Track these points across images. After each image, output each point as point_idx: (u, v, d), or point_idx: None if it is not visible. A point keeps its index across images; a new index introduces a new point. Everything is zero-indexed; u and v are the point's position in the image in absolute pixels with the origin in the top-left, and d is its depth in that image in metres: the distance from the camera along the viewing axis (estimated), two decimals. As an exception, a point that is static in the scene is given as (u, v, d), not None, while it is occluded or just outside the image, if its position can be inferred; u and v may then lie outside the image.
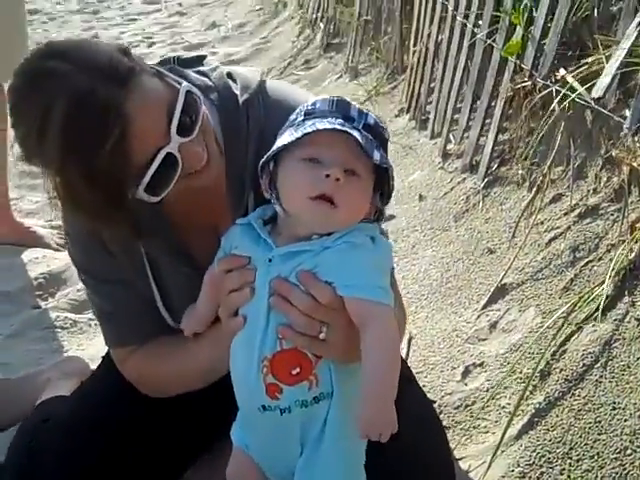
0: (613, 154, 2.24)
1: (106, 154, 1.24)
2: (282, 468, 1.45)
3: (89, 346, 2.65)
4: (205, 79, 1.57)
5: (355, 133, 1.29)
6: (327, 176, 1.28)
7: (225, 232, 1.49)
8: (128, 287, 1.64)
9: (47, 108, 1.24)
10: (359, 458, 1.44)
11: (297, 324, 1.35)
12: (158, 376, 1.70)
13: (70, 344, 2.67)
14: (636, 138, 2.16)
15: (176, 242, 1.60)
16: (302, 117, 1.36)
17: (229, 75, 1.60)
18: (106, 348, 1.96)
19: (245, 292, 1.39)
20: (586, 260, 2.23)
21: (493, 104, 3.06)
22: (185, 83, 1.41)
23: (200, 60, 1.64)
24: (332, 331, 1.35)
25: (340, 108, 1.35)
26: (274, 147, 1.36)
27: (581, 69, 2.48)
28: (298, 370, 1.35)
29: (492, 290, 2.41)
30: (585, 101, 2.38)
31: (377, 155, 1.30)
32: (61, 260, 3.26)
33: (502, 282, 2.41)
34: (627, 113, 2.24)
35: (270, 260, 1.36)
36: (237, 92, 1.56)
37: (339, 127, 1.29)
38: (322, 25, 5.95)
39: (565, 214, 2.45)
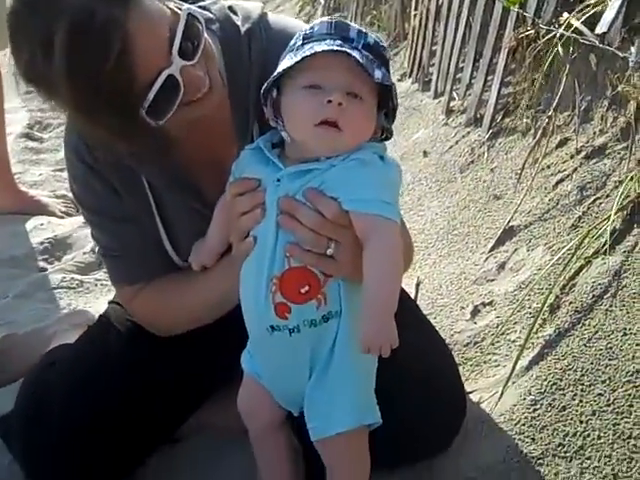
0: (619, 89, 2.22)
1: (110, 69, 1.23)
2: (292, 393, 1.45)
3: (96, 304, 2.63)
4: (206, 12, 1.55)
5: (354, 53, 1.27)
6: (329, 102, 1.27)
7: (230, 164, 1.48)
8: (134, 225, 1.63)
9: (49, 30, 1.22)
10: (369, 377, 1.44)
11: (304, 241, 1.34)
12: (167, 312, 1.69)
13: (77, 303, 2.66)
14: (642, 72, 2.15)
15: (182, 177, 1.59)
16: (301, 41, 1.34)
17: (230, 8, 1.58)
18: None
19: (256, 213, 1.38)
20: (593, 198, 2.21)
21: (495, 59, 3.04)
22: (187, 5, 1.39)
23: None
24: (340, 248, 1.35)
25: (339, 29, 1.32)
26: (275, 73, 1.34)
27: (584, 11, 2.45)
28: (307, 288, 1.35)
29: (499, 233, 2.39)
30: (589, 41, 2.36)
31: (378, 73, 1.28)
32: (66, 226, 3.26)
33: (509, 225, 2.39)
34: (632, 49, 2.22)
35: (278, 180, 1.36)
36: (238, 23, 1.55)
37: (337, 48, 1.27)
38: (322, 1, 5.93)
39: (571, 157, 2.43)
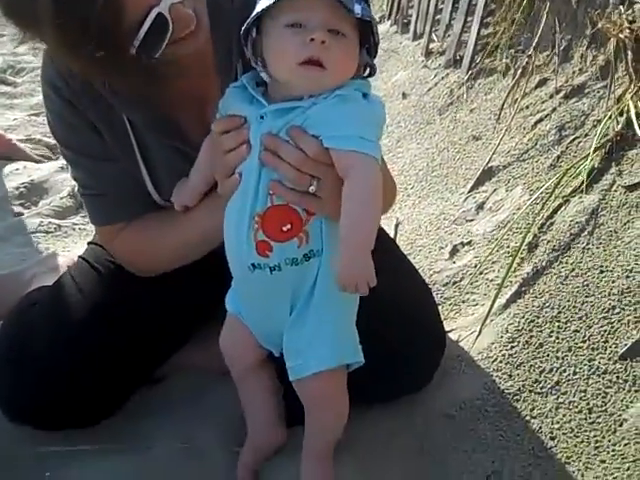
0: (600, 27, 2.20)
1: (99, 8, 1.20)
2: (273, 333, 1.46)
3: (74, 248, 2.61)
4: None
5: None
6: (312, 40, 1.25)
7: (212, 103, 1.46)
8: (114, 164, 1.61)
9: None
10: (350, 317, 1.44)
11: (287, 178, 1.33)
12: (149, 251, 1.68)
13: (55, 247, 2.64)
14: (622, 9, 2.13)
15: (164, 116, 1.57)
16: None
17: None
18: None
19: (241, 150, 1.37)
20: (572, 137, 2.21)
21: (475, 1, 3.01)
22: None
23: None
24: (322, 186, 1.34)
25: None
26: (254, 12, 1.31)
27: (565, -53, 2.43)
28: (289, 227, 1.34)
29: (478, 174, 2.39)
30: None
31: (358, 8, 1.26)
32: (42, 171, 3.22)
33: (488, 165, 2.39)
34: (613, -14, 2.21)
35: (262, 117, 1.34)
36: None
37: None
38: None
39: (550, 97, 2.42)
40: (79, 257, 1.92)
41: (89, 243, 1.94)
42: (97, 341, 1.69)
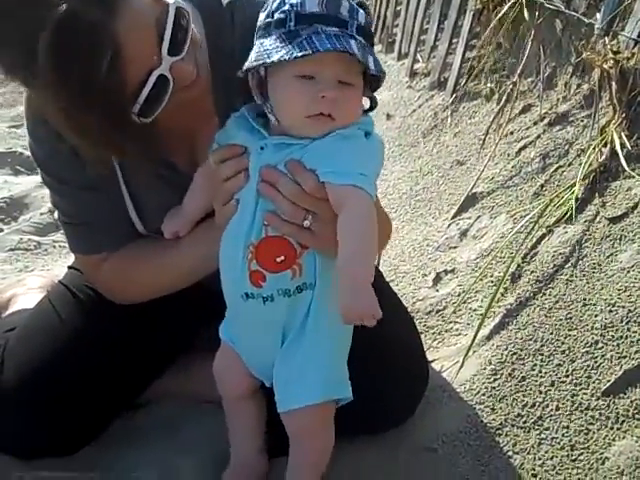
0: (584, 57, 2.21)
1: (101, 79, 1.19)
2: (264, 363, 1.45)
3: (54, 267, 2.60)
4: None
5: (353, 46, 1.23)
6: (323, 97, 1.25)
7: (205, 135, 1.47)
8: (98, 193, 1.58)
9: (31, 36, 1.16)
10: (341, 352, 1.44)
11: (282, 211, 1.34)
12: (134, 280, 1.66)
13: (34, 265, 2.62)
14: (607, 40, 2.14)
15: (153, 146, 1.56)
16: (293, 21, 1.27)
17: None
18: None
19: (239, 177, 1.37)
20: (556, 166, 2.22)
21: (460, 22, 3.02)
22: (175, 1, 1.32)
23: None
24: (317, 221, 1.34)
25: (331, 7, 1.26)
26: (268, 58, 1.26)
27: (550, -25, 2.44)
28: (282, 258, 1.35)
29: (462, 200, 2.40)
30: (555, 6, 2.35)
31: (372, 64, 1.26)
32: (23, 185, 3.20)
33: (472, 191, 2.40)
34: (598, 16, 2.22)
35: (262, 148, 1.35)
36: None
37: (340, 48, 1.22)
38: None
39: (535, 123, 2.43)
40: (59, 282, 1.90)
41: (69, 267, 1.92)
42: (76, 369, 1.67)
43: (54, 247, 2.74)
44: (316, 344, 1.38)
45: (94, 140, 1.29)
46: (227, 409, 1.56)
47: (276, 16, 1.29)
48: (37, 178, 3.19)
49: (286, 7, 1.27)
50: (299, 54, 1.23)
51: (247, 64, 1.31)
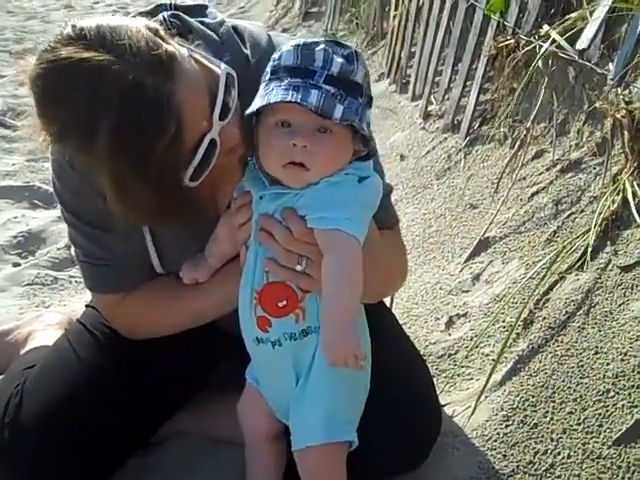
0: (597, 106, 2.25)
1: (162, 151, 1.22)
2: (283, 403, 1.48)
3: (70, 302, 2.63)
4: (212, 33, 1.52)
5: (312, 96, 1.26)
6: (294, 144, 1.29)
7: (229, 185, 1.51)
8: (120, 234, 1.60)
9: (93, 106, 1.18)
10: (348, 394, 1.45)
11: (278, 257, 1.39)
12: (152, 319, 1.70)
13: (51, 300, 2.65)
14: (619, 90, 2.17)
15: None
16: (269, 75, 1.33)
17: (235, 30, 1.56)
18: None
19: (249, 225, 1.43)
20: (568, 212, 2.24)
21: (475, 65, 3.07)
22: (224, 66, 1.37)
23: (203, 10, 1.59)
24: (312, 265, 1.38)
25: (304, 60, 1.30)
26: (249, 108, 1.33)
27: (565, 24, 2.48)
28: (285, 303, 1.40)
29: (475, 244, 2.42)
30: (569, 56, 2.39)
31: (338, 113, 1.27)
32: (40, 219, 3.24)
33: (485, 236, 2.42)
34: (611, 66, 2.25)
35: (261, 197, 1.40)
36: (247, 52, 1.53)
37: (288, 99, 1.26)
38: (300, -6, 5.92)
39: (547, 169, 2.46)
40: (77, 320, 1.93)
41: (86, 305, 1.94)
42: (91, 409, 1.69)
43: (70, 282, 2.78)
44: (319, 387, 1.42)
45: (138, 208, 1.31)
46: (248, 450, 1.58)
47: (265, 70, 1.36)
48: (54, 212, 3.24)
49: (270, 62, 1.35)
50: (256, 107, 1.30)
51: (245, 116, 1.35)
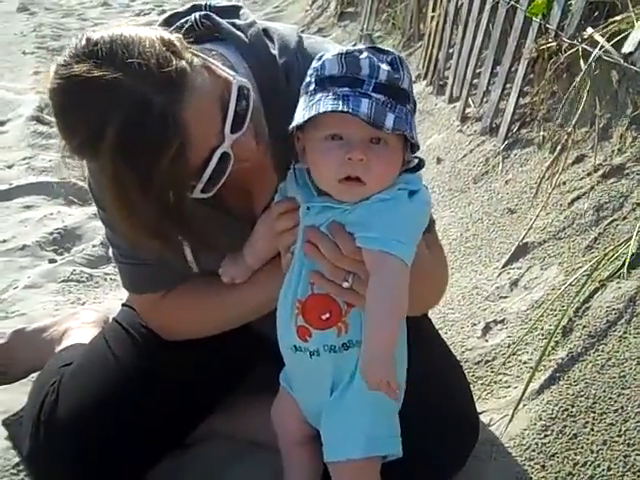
0: (641, 110, 2.21)
1: (165, 167, 1.22)
2: (316, 409, 1.47)
3: (105, 299, 2.64)
4: (241, 34, 1.51)
5: (363, 105, 1.23)
6: (350, 159, 1.26)
7: (264, 185, 1.52)
8: None
9: (101, 122, 1.19)
10: (389, 408, 1.43)
11: (325, 271, 1.37)
12: (192, 318, 1.70)
13: (87, 297, 2.66)
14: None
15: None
16: (313, 85, 1.30)
17: (265, 32, 1.54)
18: (122, 301, 1.96)
19: (293, 232, 1.42)
20: (610, 219, 2.20)
21: (514, 67, 3.03)
22: (237, 78, 1.36)
23: (236, 11, 1.58)
24: (358, 281, 1.36)
25: (350, 68, 1.27)
26: (294, 121, 1.31)
27: (609, 28, 2.44)
28: (328, 315, 1.37)
29: (513, 249, 2.39)
30: (613, 59, 2.35)
31: (389, 122, 1.24)
32: (76, 216, 3.25)
33: (523, 241, 2.39)
34: (656, 71, 2.22)
35: (308, 208, 1.37)
36: (275, 52, 1.51)
37: (340, 109, 1.22)
38: (336, -6, 5.91)
39: (588, 174, 2.42)
40: (113, 319, 1.93)
41: (123, 305, 1.94)
42: (127, 409, 1.70)
43: (105, 280, 2.79)
44: (361, 401, 1.39)
45: (140, 222, 1.30)
46: (284, 454, 1.58)
47: (306, 80, 1.33)
48: (90, 209, 3.26)
49: (311, 71, 1.32)
50: (303, 119, 1.27)
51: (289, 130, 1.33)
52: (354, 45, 1.30)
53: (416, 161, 1.37)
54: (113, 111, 1.19)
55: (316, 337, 1.38)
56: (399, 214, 1.31)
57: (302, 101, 1.32)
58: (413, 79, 1.37)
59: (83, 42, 1.25)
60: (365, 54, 1.27)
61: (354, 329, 1.37)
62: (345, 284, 1.35)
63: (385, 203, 1.30)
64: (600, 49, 2.40)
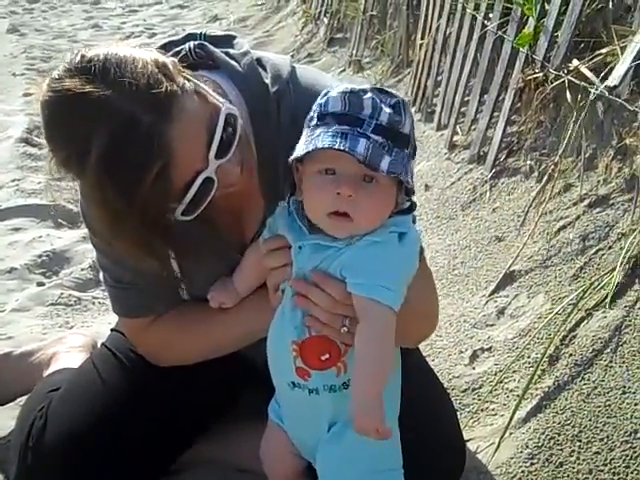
0: (627, 142, 2.24)
1: (147, 185, 1.24)
2: (311, 444, 1.46)
3: (93, 323, 2.64)
4: (235, 63, 1.53)
5: (360, 145, 1.24)
6: (339, 193, 1.27)
7: (254, 211, 1.53)
8: None
9: (88, 137, 1.21)
10: (390, 446, 1.42)
11: (321, 318, 1.36)
12: (181, 344, 1.70)
13: (74, 321, 2.66)
14: (650, 127, 2.17)
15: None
16: (315, 120, 1.31)
17: (259, 61, 1.56)
18: (111, 325, 1.97)
19: (284, 270, 1.41)
20: (596, 248, 2.23)
21: (501, 96, 3.07)
22: (226, 105, 1.38)
23: (230, 40, 1.60)
24: (355, 324, 1.34)
25: (352, 108, 1.27)
26: (293, 154, 1.32)
27: (595, 60, 2.48)
28: (327, 356, 1.36)
29: (500, 277, 2.41)
30: (598, 92, 2.39)
31: (385, 164, 1.25)
32: (65, 239, 3.25)
33: (510, 269, 2.41)
34: (641, 103, 2.25)
35: (300, 248, 1.36)
36: (267, 81, 1.52)
37: (337, 147, 1.23)
38: (326, 20, 5.96)
39: (574, 204, 2.45)
40: (102, 344, 1.93)
41: (112, 330, 1.95)
42: (113, 435, 1.70)
43: (94, 303, 2.79)
44: (362, 438, 1.35)
45: (125, 238, 1.33)
46: None
47: (309, 114, 1.34)
48: (79, 232, 3.26)
49: (315, 106, 1.33)
50: (302, 152, 1.28)
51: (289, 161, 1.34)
52: (360, 84, 1.31)
53: (408, 204, 1.37)
54: (100, 126, 1.21)
55: (316, 377, 1.37)
56: (388, 259, 1.31)
57: (304, 134, 1.33)
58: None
59: (78, 58, 1.27)
60: (369, 94, 1.28)
61: (353, 368, 1.35)
62: (344, 329, 1.34)
63: (374, 247, 1.30)
64: (585, 81, 2.44)
